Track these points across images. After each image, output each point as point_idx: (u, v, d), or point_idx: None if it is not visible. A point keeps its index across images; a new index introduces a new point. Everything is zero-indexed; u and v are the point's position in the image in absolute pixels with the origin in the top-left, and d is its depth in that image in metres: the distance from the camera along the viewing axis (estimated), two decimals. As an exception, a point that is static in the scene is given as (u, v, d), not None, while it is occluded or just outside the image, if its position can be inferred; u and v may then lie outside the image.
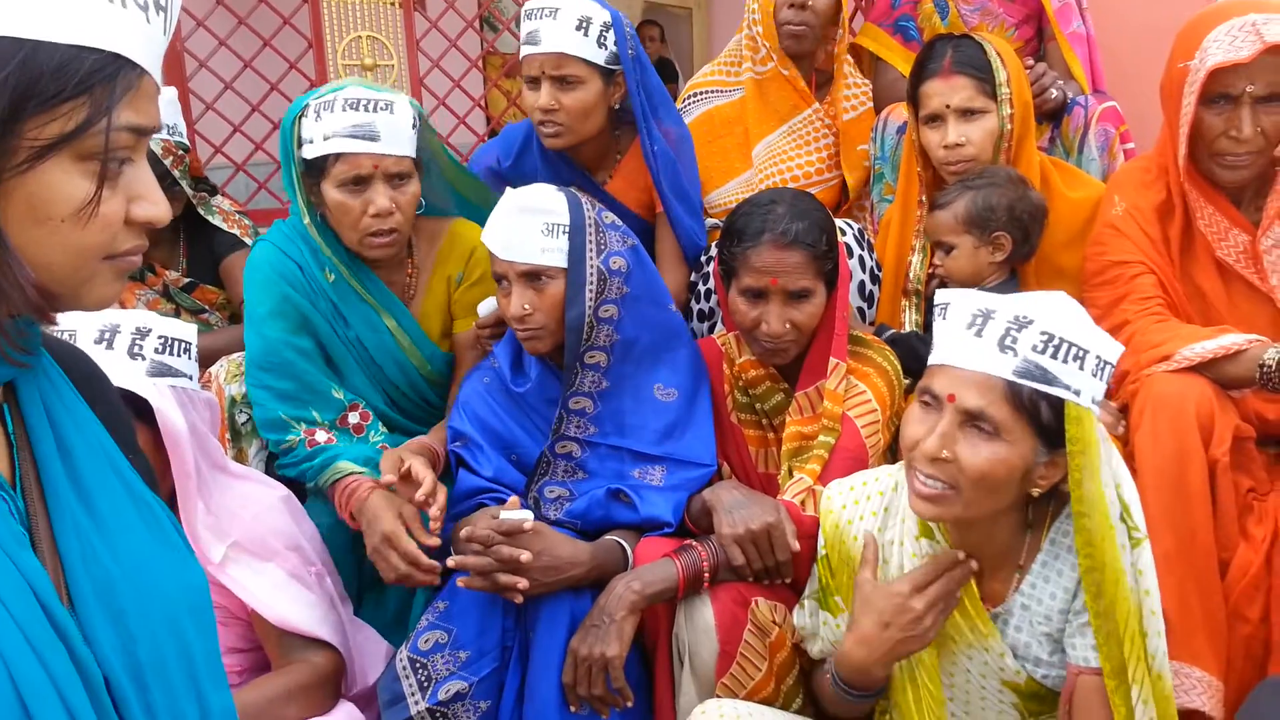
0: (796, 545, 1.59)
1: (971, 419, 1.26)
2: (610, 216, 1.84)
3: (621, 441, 1.82)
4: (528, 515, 1.62)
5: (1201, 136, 1.74)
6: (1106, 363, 1.27)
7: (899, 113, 2.39)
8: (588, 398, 1.82)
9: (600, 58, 2.10)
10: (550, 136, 2.14)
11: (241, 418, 2.01)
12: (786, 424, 1.77)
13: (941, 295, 1.36)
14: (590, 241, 1.75)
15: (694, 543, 1.64)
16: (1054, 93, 2.32)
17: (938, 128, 2.04)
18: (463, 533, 1.61)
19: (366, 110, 1.79)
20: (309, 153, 1.82)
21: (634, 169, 2.25)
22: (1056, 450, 1.27)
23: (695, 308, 2.22)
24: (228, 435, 2.03)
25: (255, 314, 1.89)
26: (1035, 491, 1.31)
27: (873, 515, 1.48)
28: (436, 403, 2.06)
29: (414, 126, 1.87)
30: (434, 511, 1.66)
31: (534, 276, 1.73)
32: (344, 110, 1.79)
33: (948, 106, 2.01)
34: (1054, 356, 1.23)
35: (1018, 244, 1.95)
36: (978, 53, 2.03)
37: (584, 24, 2.07)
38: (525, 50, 2.11)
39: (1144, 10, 2.63)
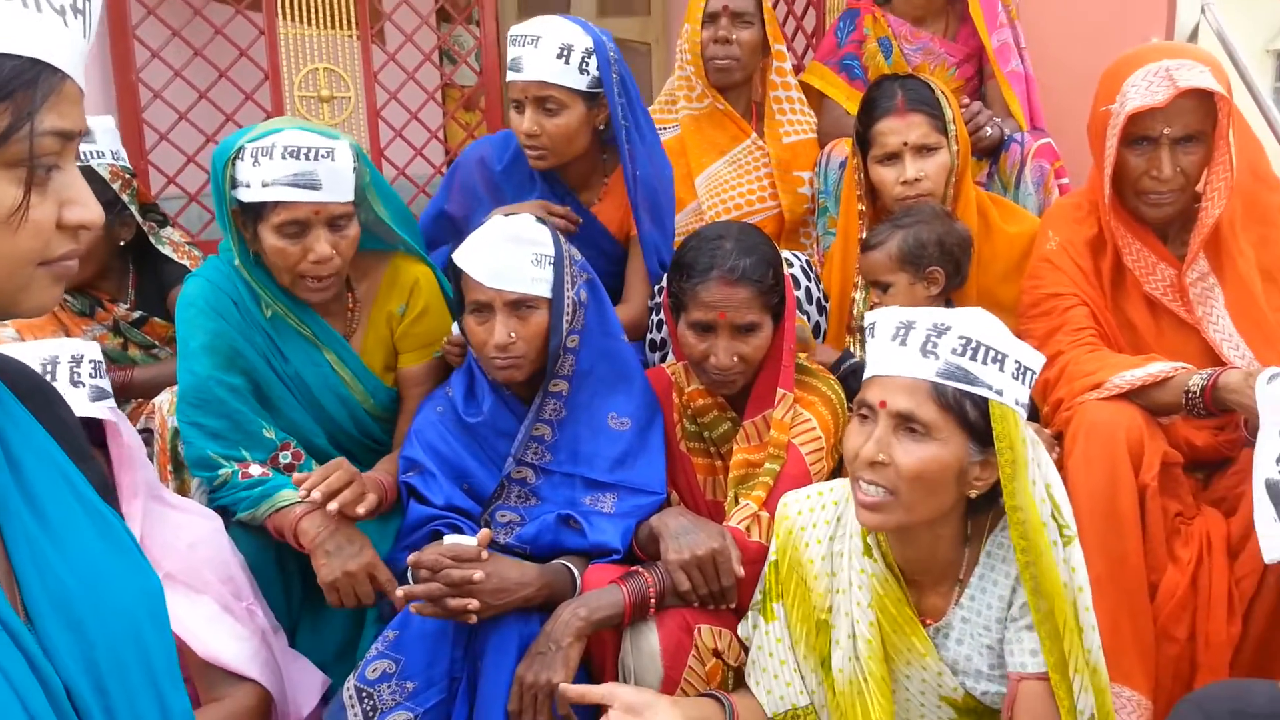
0: (741, 570, 1.62)
1: (904, 421, 1.33)
2: (573, 249, 1.88)
3: (575, 469, 1.84)
4: (474, 540, 1.63)
5: (1125, 176, 1.81)
6: (1027, 368, 1.34)
7: (842, 148, 2.46)
8: (547, 425, 1.84)
9: (582, 83, 2.13)
10: (535, 159, 2.18)
11: (184, 450, 2.00)
12: (734, 452, 1.81)
13: (869, 315, 1.44)
14: (568, 272, 1.80)
15: (640, 569, 1.66)
16: (988, 130, 2.40)
17: (894, 165, 2.10)
18: (410, 559, 1.61)
19: (308, 158, 1.76)
20: (246, 196, 1.78)
21: (618, 192, 2.29)
22: (988, 450, 1.33)
23: (648, 337, 2.25)
24: (170, 467, 2.02)
25: (186, 349, 1.86)
26: (973, 493, 1.36)
27: (825, 524, 1.53)
28: (381, 438, 2.05)
29: (354, 169, 1.85)
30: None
31: (520, 305, 1.76)
32: (284, 158, 1.76)
33: (905, 144, 2.08)
34: (973, 358, 1.31)
35: (950, 276, 2.01)
36: (927, 91, 2.11)
37: (565, 52, 2.11)
38: (510, 76, 2.16)
39: (1079, 51, 2.73)
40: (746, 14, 2.53)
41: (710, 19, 2.53)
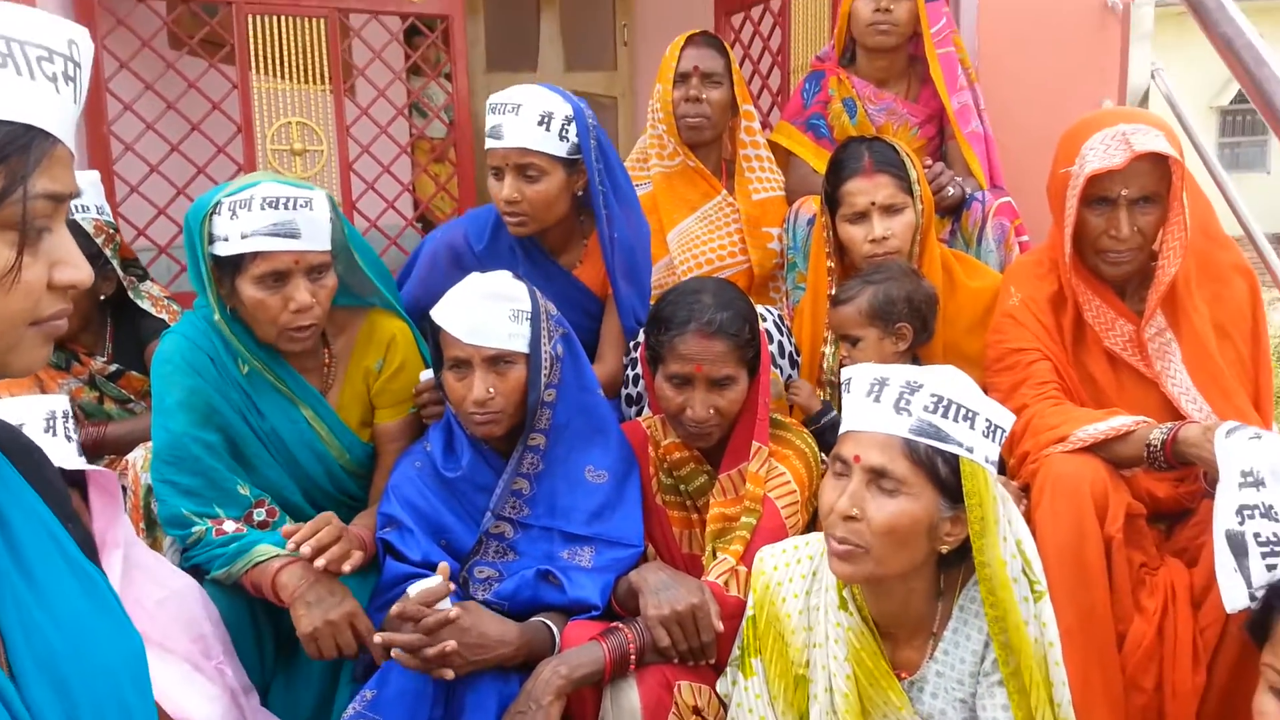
0: (721, 626, 1.63)
1: (877, 477, 1.37)
2: (549, 304, 1.90)
3: (553, 522, 1.85)
4: (437, 577, 1.63)
5: (1085, 235, 1.88)
6: (998, 426, 1.39)
7: (809, 205, 2.53)
8: (525, 479, 1.86)
9: (562, 150, 2.16)
10: (515, 225, 2.20)
11: (157, 507, 1.98)
12: (710, 506, 1.83)
13: (845, 372, 1.48)
14: (544, 327, 1.82)
15: (620, 625, 1.67)
16: (950, 190, 2.48)
17: (862, 224, 2.17)
18: (392, 610, 1.61)
19: (286, 208, 1.79)
20: (223, 250, 1.79)
21: (599, 253, 2.30)
22: (958, 506, 1.37)
23: (624, 392, 2.28)
24: (142, 523, 2.01)
25: (162, 405, 1.86)
26: (944, 549, 1.40)
27: (802, 579, 1.56)
28: (357, 494, 2.05)
29: (330, 220, 1.88)
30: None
31: (498, 361, 1.78)
32: (262, 209, 1.78)
33: (873, 204, 2.14)
34: (945, 416, 1.36)
35: (917, 332, 2.07)
36: (893, 153, 2.18)
37: (545, 119, 2.13)
38: (490, 144, 2.17)
39: (1036, 112, 2.83)
40: (716, 74, 2.60)
41: (681, 79, 2.60)
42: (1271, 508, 1.39)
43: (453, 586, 1.64)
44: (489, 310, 1.78)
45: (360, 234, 2.11)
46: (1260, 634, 1.14)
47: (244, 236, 1.78)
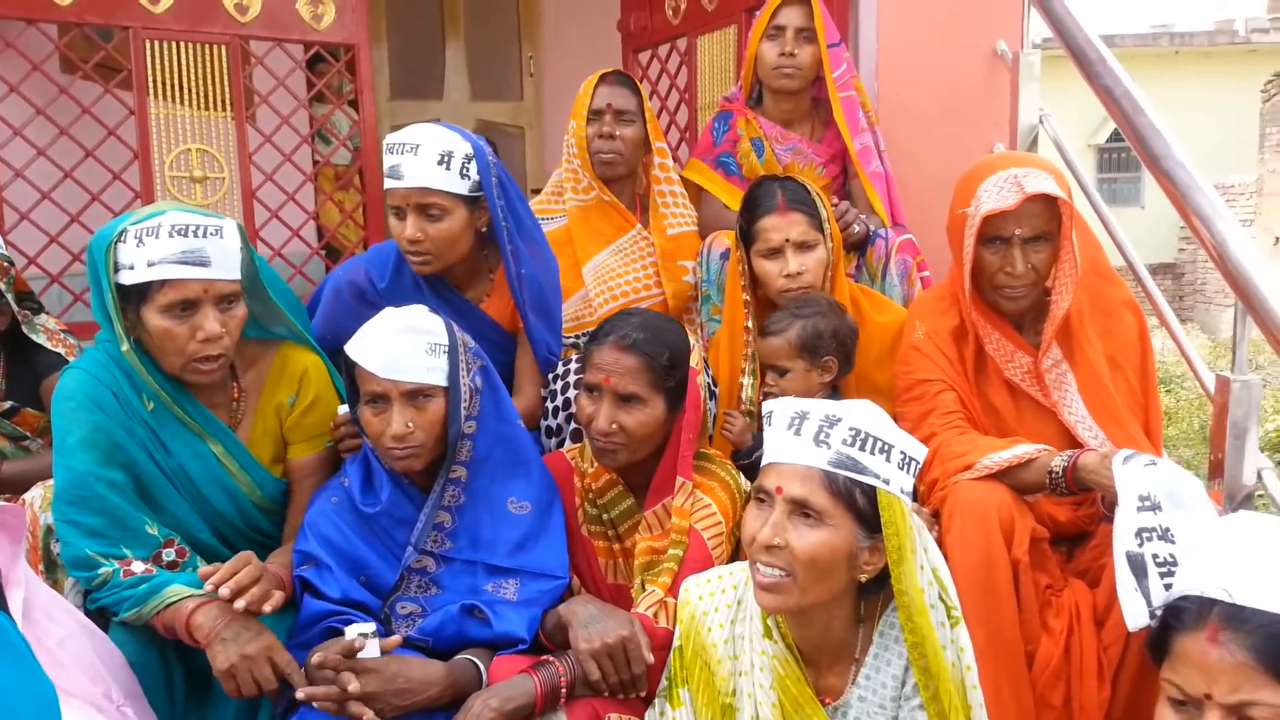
0: (651, 657, 1.65)
1: (798, 507, 1.41)
2: (466, 336, 1.90)
3: (475, 555, 1.84)
4: (370, 624, 1.63)
5: (983, 272, 1.97)
6: (912, 458, 1.45)
7: (721, 240, 2.59)
8: (447, 511, 1.84)
9: (463, 188, 2.16)
10: (419, 264, 2.18)
11: (57, 547, 1.89)
12: (638, 541, 1.85)
13: (767, 405, 1.52)
14: (462, 360, 1.82)
15: (551, 658, 1.67)
16: (856, 227, 2.58)
17: (776, 259, 2.24)
18: (314, 659, 1.58)
19: (196, 236, 1.76)
20: (129, 279, 1.75)
21: (505, 287, 2.31)
22: (876, 536, 1.42)
23: (544, 424, 2.28)
24: (41, 566, 1.92)
25: (64, 444, 1.78)
26: (863, 577, 1.44)
27: (727, 608, 1.59)
28: (270, 531, 1.99)
29: (240, 250, 1.85)
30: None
31: (416, 395, 1.76)
32: (170, 236, 1.74)
33: (787, 240, 2.22)
34: (862, 449, 1.42)
35: (841, 364, 2.14)
36: (805, 192, 2.27)
37: (445, 158, 2.12)
38: (389, 184, 2.14)
39: (933, 153, 2.96)
40: (629, 112, 2.66)
41: (595, 115, 2.65)
42: (1168, 530, 1.48)
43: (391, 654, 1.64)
44: (405, 344, 1.76)
45: (268, 263, 2.07)
46: (1158, 652, 1.21)
47: (150, 264, 1.74)
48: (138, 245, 1.75)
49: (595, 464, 1.91)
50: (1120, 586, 1.48)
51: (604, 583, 1.92)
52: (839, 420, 1.44)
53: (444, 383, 1.79)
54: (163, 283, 1.75)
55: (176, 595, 1.70)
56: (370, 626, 1.64)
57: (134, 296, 1.77)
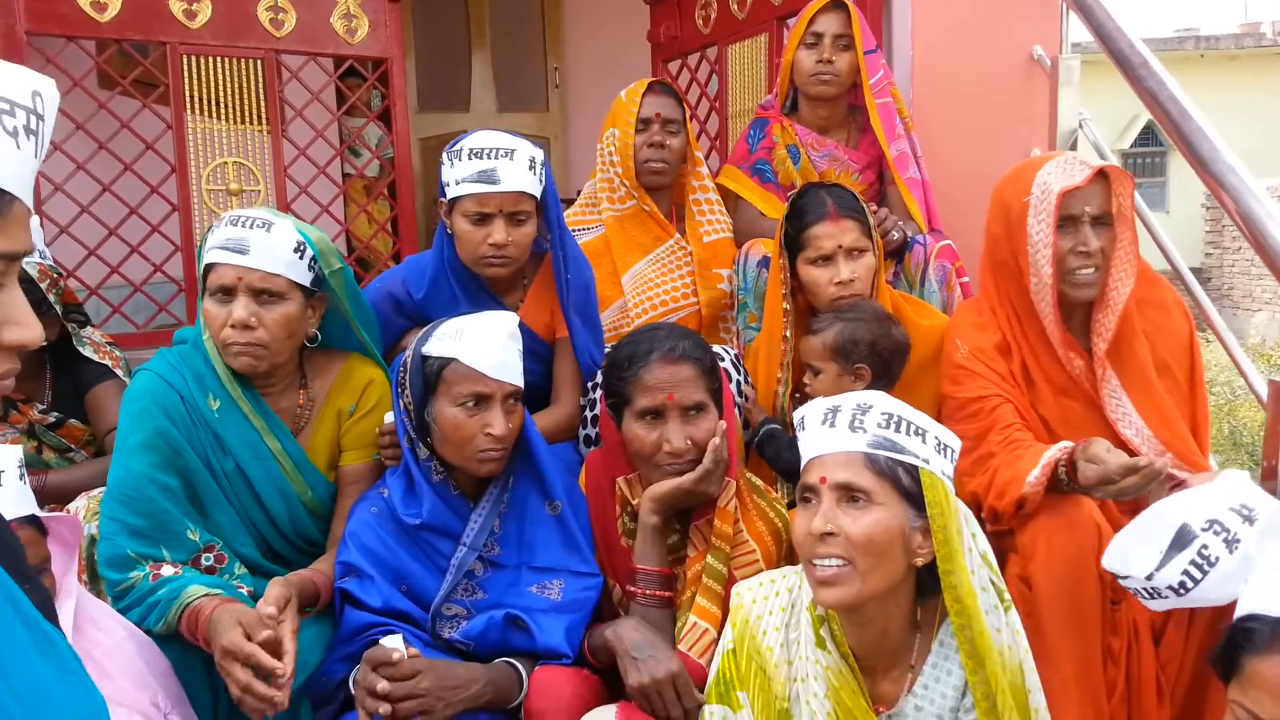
0: (700, 696, 1.62)
1: (846, 492, 1.41)
2: None
3: (520, 558, 1.85)
4: (398, 645, 1.62)
5: (1053, 258, 1.91)
6: (947, 445, 1.46)
7: (759, 248, 2.57)
8: (496, 517, 1.85)
9: (539, 191, 2.19)
10: (498, 268, 2.18)
11: (102, 557, 1.90)
12: (687, 566, 1.81)
13: (797, 412, 1.53)
14: None
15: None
16: (895, 234, 2.55)
17: (827, 267, 2.20)
18: (359, 679, 1.59)
19: (243, 226, 1.83)
20: (198, 269, 1.88)
21: (542, 295, 2.32)
22: (924, 517, 1.42)
23: (583, 433, 2.27)
24: (85, 576, 1.92)
25: (125, 444, 1.81)
26: (918, 561, 1.43)
27: (781, 611, 1.57)
28: (316, 539, 2.00)
29: (296, 251, 1.86)
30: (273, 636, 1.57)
31: (511, 398, 1.80)
32: (226, 226, 1.84)
33: (839, 247, 2.19)
34: (897, 430, 1.43)
35: (877, 376, 2.10)
36: (854, 199, 2.25)
37: (533, 163, 2.15)
38: (479, 189, 2.12)
39: (970, 160, 2.94)
40: (675, 122, 2.65)
41: (644, 125, 2.63)
42: (1237, 544, 1.43)
43: (413, 654, 1.65)
44: (512, 349, 1.81)
45: (357, 283, 2.07)
46: (1226, 669, 1.18)
47: (208, 250, 1.85)
48: (210, 235, 1.86)
49: (640, 496, 1.85)
50: (1140, 533, 1.45)
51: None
52: (871, 407, 1.46)
53: (522, 386, 1.83)
54: (210, 268, 1.84)
55: (194, 595, 1.68)
56: (399, 638, 1.64)
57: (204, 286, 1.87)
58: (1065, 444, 1.79)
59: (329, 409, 2.00)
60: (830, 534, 1.40)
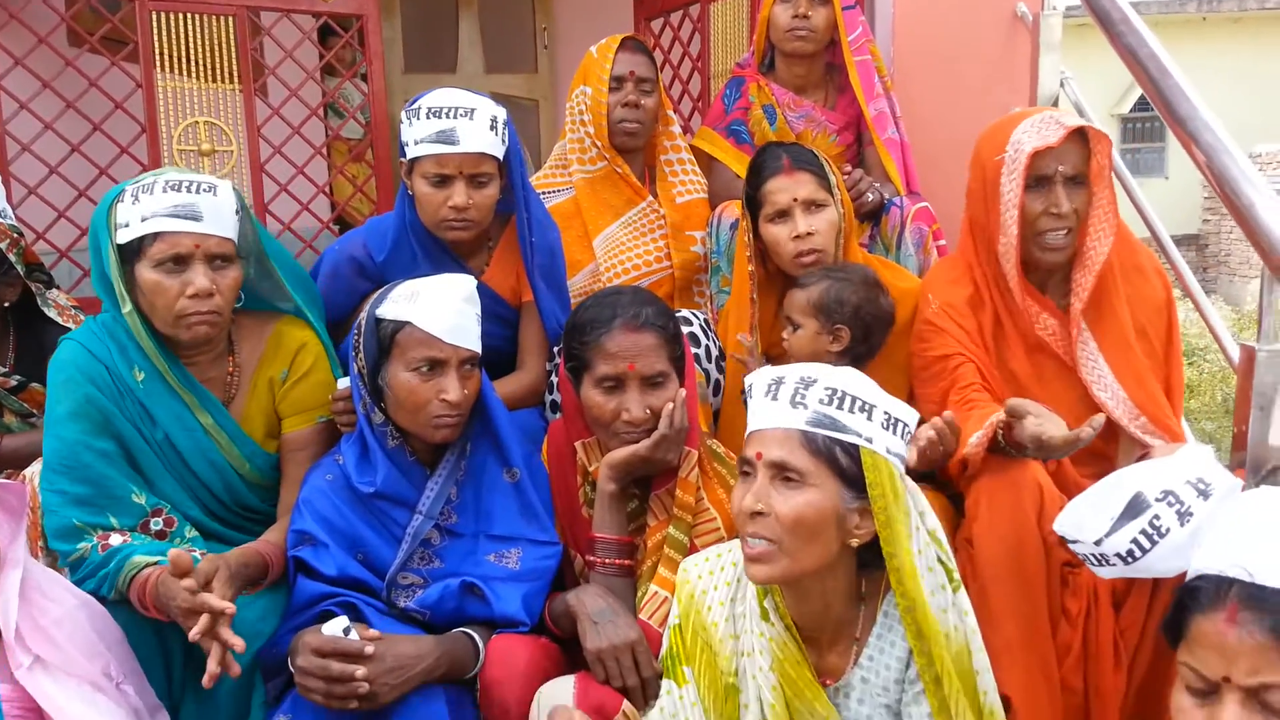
0: (659, 666, 1.60)
1: (779, 471, 1.38)
2: None
3: (478, 526, 1.82)
4: (341, 624, 1.60)
5: (1023, 219, 1.89)
6: (898, 419, 1.41)
7: (732, 210, 2.54)
8: (454, 484, 1.82)
9: (501, 153, 2.13)
10: (460, 231, 2.14)
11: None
12: (648, 535, 1.79)
13: (747, 379, 1.49)
14: None
15: None
16: (870, 195, 2.51)
17: (784, 222, 2.15)
18: (298, 662, 1.56)
19: (188, 191, 1.76)
20: (123, 237, 1.76)
21: (507, 258, 2.28)
22: (864, 499, 1.38)
23: (549, 398, 2.25)
24: (40, 542, 1.90)
25: (55, 414, 1.78)
26: (854, 542, 1.40)
27: (726, 585, 1.55)
28: (260, 508, 1.96)
29: (236, 212, 1.83)
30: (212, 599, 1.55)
31: (466, 363, 1.76)
32: (164, 191, 1.75)
33: (795, 200, 2.13)
34: (839, 407, 1.38)
35: (856, 340, 2.06)
36: (810, 154, 2.20)
37: (494, 123, 2.10)
38: (438, 149, 2.07)
39: (950, 120, 2.88)
40: (649, 80, 2.59)
41: (617, 83, 2.56)
42: (1189, 518, 1.40)
43: (375, 636, 1.62)
44: (467, 313, 1.77)
45: (274, 237, 2.04)
46: (1174, 634, 1.16)
47: (144, 219, 1.75)
48: (133, 202, 1.76)
49: (598, 461, 1.83)
50: (1094, 499, 1.43)
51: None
52: (814, 381, 1.41)
53: (479, 351, 1.79)
54: (155, 236, 1.75)
55: (138, 565, 1.66)
56: (344, 622, 1.61)
57: (130, 256, 1.77)
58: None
59: (260, 377, 1.95)
60: (760, 513, 1.37)
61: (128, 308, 1.79)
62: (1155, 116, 15.58)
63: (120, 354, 1.82)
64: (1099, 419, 1.61)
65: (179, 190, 1.75)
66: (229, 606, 1.53)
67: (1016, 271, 1.91)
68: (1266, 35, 15.11)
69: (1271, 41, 14.98)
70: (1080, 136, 1.88)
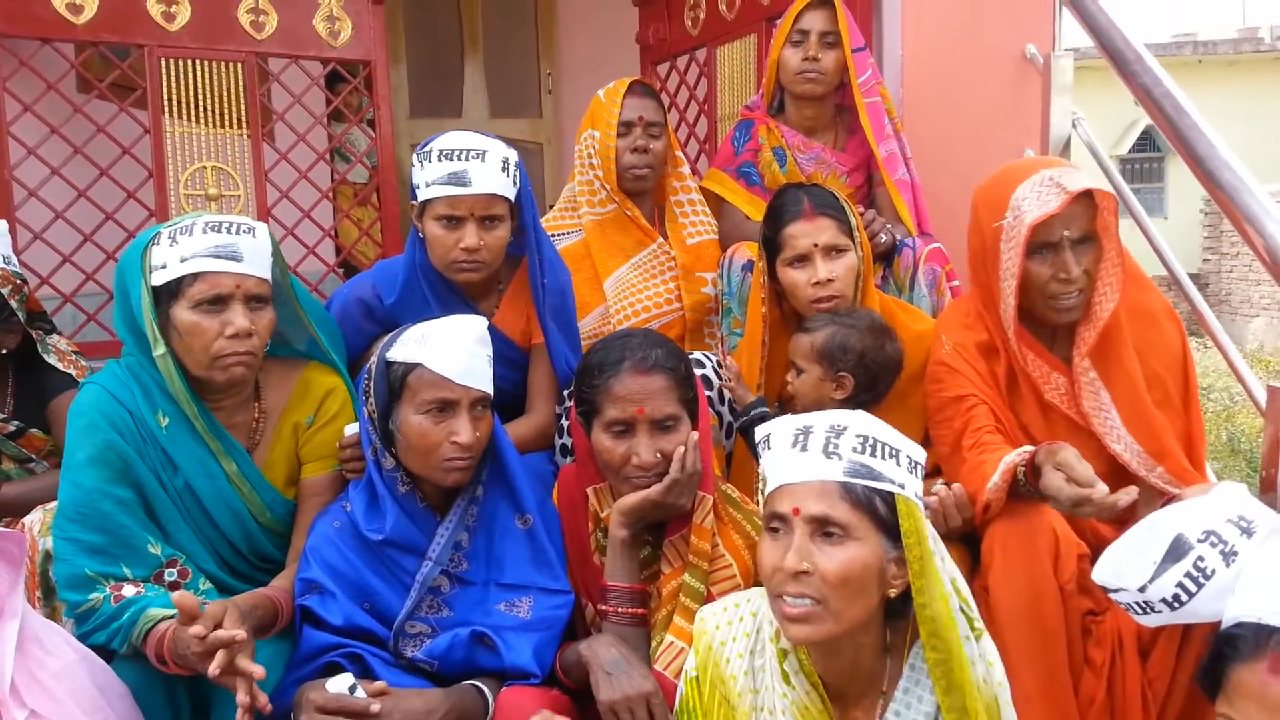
0: (673, 718, 1.54)
1: (820, 526, 1.31)
2: None
3: (489, 574, 1.78)
4: (347, 681, 1.55)
5: (1029, 285, 1.85)
6: (916, 462, 1.36)
7: (743, 251, 2.51)
8: (466, 531, 1.78)
9: (513, 195, 2.13)
10: (471, 273, 2.12)
11: (57, 574, 1.83)
12: (662, 583, 1.74)
13: (760, 430, 1.43)
14: None
15: None
16: (883, 237, 2.49)
17: (804, 267, 2.12)
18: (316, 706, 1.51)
19: (229, 232, 1.76)
20: (160, 278, 1.74)
21: (518, 300, 2.26)
22: (899, 547, 1.33)
23: (559, 442, 2.21)
24: (39, 593, 1.86)
25: (74, 460, 1.74)
26: (892, 592, 1.34)
27: (745, 637, 1.48)
28: (275, 557, 1.92)
29: (271, 254, 1.83)
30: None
31: (478, 405, 1.73)
32: (204, 232, 1.75)
33: (815, 245, 2.10)
34: (874, 455, 1.33)
35: (861, 389, 2.02)
36: (832, 198, 2.17)
37: (506, 164, 2.10)
38: (450, 191, 2.06)
39: (961, 161, 2.86)
40: (658, 124, 2.59)
41: (626, 128, 2.56)
42: (1234, 557, 1.35)
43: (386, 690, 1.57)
44: (480, 354, 1.74)
45: (302, 284, 2.03)
46: (1211, 684, 1.11)
47: (183, 260, 1.74)
48: (171, 244, 1.75)
49: (609, 508, 1.79)
50: (1132, 544, 1.37)
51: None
52: (845, 428, 1.34)
53: (491, 393, 1.76)
54: (195, 277, 1.73)
55: (154, 618, 1.62)
56: (349, 679, 1.56)
57: (164, 297, 1.75)
58: (1026, 449, 1.72)
59: (285, 423, 1.92)
60: (804, 572, 1.30)
61: (160, 350, 1.76)
62: (1154, 157, 15.69)
63: (145, 398, 1.79)
64: (1133, 491, 1.56)
65: (219, 231, 1.75)
66: (240, 633, 1.50)
67: (1016, 339, 1.88)
68: (1263, 78, 15.25)
69: (1268, 84, 15.12)
70: (1084, 194, 1.82)
